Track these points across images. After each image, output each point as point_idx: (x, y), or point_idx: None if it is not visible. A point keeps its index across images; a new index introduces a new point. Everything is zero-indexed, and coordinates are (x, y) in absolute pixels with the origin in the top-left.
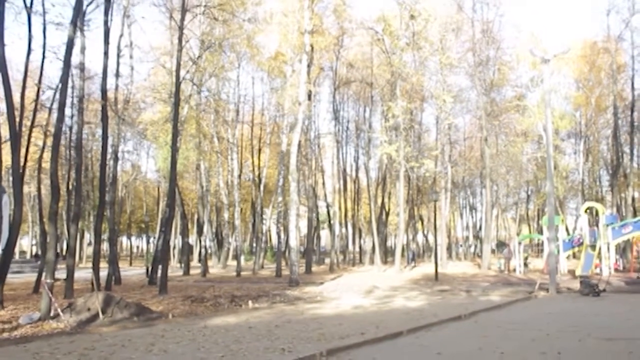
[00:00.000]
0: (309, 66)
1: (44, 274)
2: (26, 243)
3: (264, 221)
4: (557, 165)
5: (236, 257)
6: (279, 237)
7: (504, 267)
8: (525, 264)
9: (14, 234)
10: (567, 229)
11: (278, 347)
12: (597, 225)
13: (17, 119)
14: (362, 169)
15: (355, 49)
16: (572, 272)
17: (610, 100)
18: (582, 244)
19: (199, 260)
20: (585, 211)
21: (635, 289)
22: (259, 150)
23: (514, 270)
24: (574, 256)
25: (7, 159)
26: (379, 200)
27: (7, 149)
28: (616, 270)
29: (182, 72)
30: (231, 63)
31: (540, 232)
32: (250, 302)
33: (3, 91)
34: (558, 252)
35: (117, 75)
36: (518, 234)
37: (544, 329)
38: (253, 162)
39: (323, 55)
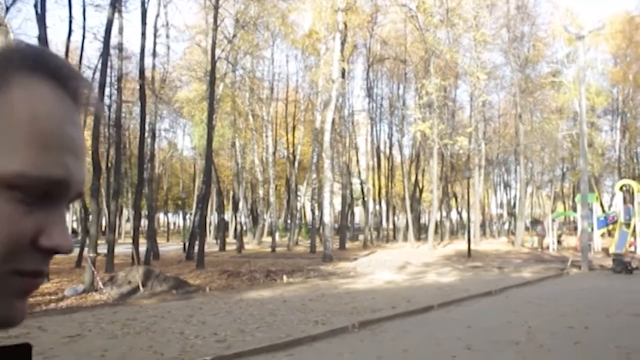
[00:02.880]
0: (342, 44)
1: (86, 249)
2: (67, 219)
3: (298, 198)
4: (592, 142)
5: (271, 233)
6: (313, 213)
7: (537, 245)
8: (559, 242)
9: None
10: (602, 207)
11: (312, 319)
12: (633, 203)
13: None
14: (396, 146)
15: (388, 26)
16: (605, 250)
17: None
18: (616, 221)
19: (235, 237)
20: (621, 189)
21: None
22: (293, 127)
23: (547, 247)
24: (609, 234)
25: None
26: (413, 178)
27: None
28: None
29: (218, 51)
30: (265, 41)
31: (575, 209)
32: (284, 277)
33: None
34: (592, 229)
35: (154, 54)
36: (552, 212)
37: (573, 304)
38: (287, 140)
39: (357, 33)
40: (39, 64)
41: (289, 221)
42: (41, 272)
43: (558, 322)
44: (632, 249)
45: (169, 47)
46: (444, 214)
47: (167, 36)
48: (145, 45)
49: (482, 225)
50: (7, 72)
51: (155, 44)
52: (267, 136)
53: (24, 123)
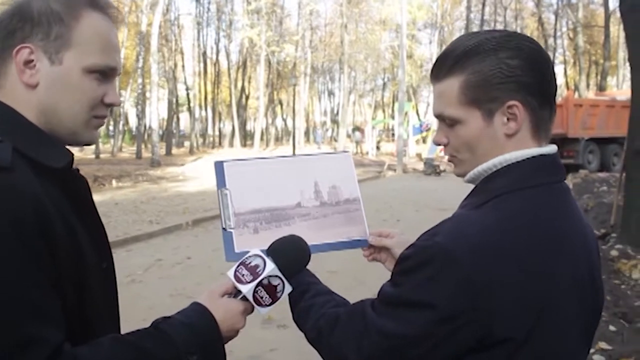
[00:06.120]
0: None
1: None
2: None
3: (121, 103)
4: (412, 54)
5: None
6: (138, 119)
7: (357, 150)
8: (378, 147)
9: None
10: (418, 115)
11: (146, 219)
12: None
13: None
14: (223, 52)
15: None
16: (419, 155)
17: None
18: (429, 129)
19: None
20: None
21: None
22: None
23: (367, 152)
24: (424, 141)
25: None
26: (239, 84)
27: None
28: None
29: None
30: None
31: (394, 117)
32: (113, 182)
33: None
34: (408, 136)
35: None
36: (373, 119)
37: (388, 202)
38: None
39: None
40: (94, 2)
41: (111, 127)
42: (106, 116)
43: (373, 217)
44: (442, 154)
45: None
46: (270, 120)
47: None
48: None
49: (307, 132)
50: (78, 8)
51: None
52: None
53: (95, 38)
